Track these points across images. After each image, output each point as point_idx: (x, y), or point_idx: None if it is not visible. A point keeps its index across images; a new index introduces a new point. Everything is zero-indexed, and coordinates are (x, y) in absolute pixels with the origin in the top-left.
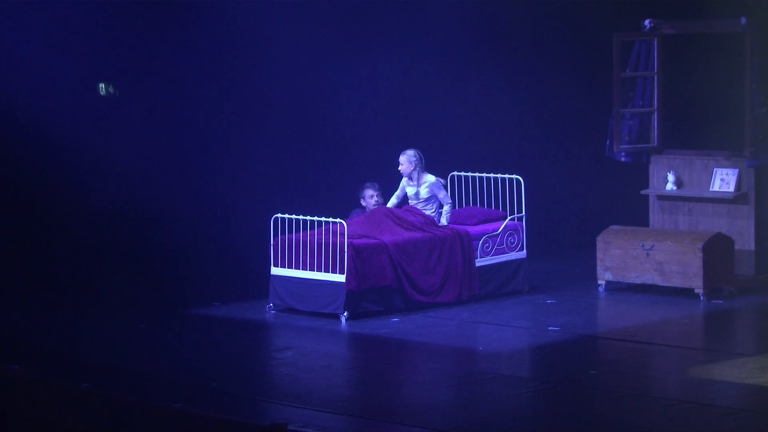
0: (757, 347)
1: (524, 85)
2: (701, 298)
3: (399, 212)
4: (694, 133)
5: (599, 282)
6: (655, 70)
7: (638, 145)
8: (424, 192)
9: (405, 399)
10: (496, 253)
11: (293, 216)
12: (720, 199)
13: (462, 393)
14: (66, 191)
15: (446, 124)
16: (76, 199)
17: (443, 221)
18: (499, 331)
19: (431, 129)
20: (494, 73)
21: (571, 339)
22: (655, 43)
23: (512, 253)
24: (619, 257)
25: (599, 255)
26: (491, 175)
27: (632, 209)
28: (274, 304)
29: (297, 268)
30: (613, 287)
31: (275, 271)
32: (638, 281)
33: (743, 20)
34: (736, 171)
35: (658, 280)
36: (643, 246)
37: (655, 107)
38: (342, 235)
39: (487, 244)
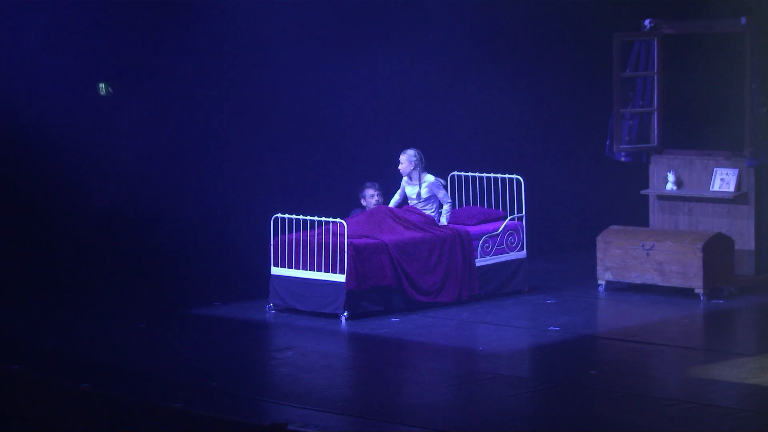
0: (757, 347)
1: (524, 85)
2: (701, 298)
3: (399, 212)
4: (694, 133)
5: (599, 282)
6: (655, 70)
7: (638, 145)
8: (423, 192)
9: (405, 399)
10: (496, 253)
11: (293, 216)
12: (720, 199)
13: (462, 393)
14: (66, 191)
15: (446, 124)
16: (76, 199)
17: (443, 221)
18: (499, 331)
19: (431, 129)
20: (494, 73)
21: (571, 339)
22: (655, 43)
23: (512, 253)
24: (619, 257)
25: (599, 255)
26: (491, 175)
27: (632, 209)
28: (274, 304)
29: (297, 268)
30: (613, 287)
31: (275, 271)
32: (638, 281)
33: (743, 20)
34: (736, 171)
35: (658, 280)
36: (643, 246)
37: (655, 107)
38: (342, 235)
39: (487, 244)
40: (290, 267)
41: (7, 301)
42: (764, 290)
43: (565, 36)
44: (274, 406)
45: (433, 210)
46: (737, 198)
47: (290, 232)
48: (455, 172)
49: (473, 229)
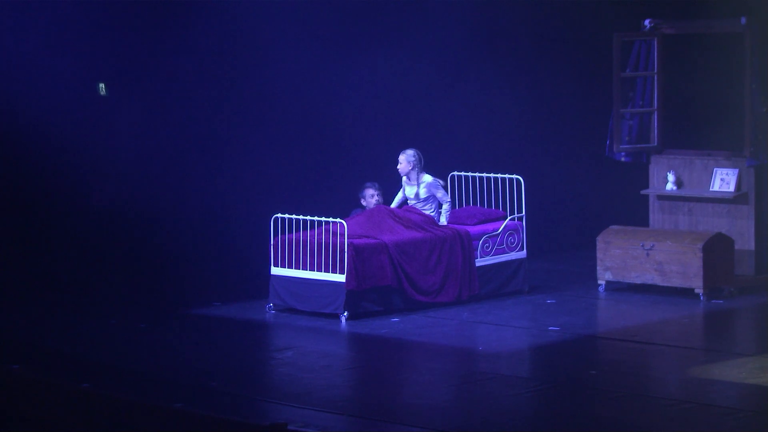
0: (757, 347)
1: (524, 85)
2: (701, 298)
3: (399, 212)
4: (694, 133)
5: (599, 282)
6: (655, 70)
7: (638, 145)
8: (422, 192)
9: (405, 399)
10: (496, 253)
11: (293, 216)
12: (720, 199)
13: (462, 393)
14: (66, 191)
15: (446, 124)
16: (76, 199)
17: (443, 220)
18: (499, 331)
19: (431, 129)
20: (494, 73)
21: (571, 339)
22: (655, 43)
23: (512, 253)
24: (619, 257)
25: (599, 255)
26: (491, 175)
27: (632, 209)
28: (274, 304)
29: (297, 268)
30: (613, 287)
31: (275, 271)
32: (638, 281)
33: (743, 20)
34: (736, 171)
35: (658, 280)
36: (643, 246)
37: (655, 107)
38: (342, 235)
39: (487, 244)
40: (290, 267)
41: (7, 301)
42: (764, 290)
43: (565, 36)
44: (274, 406)
45: (432, 210)
46: (737, 198)
47: (290, 232)
48: (455, 172)
49: (473, 229)
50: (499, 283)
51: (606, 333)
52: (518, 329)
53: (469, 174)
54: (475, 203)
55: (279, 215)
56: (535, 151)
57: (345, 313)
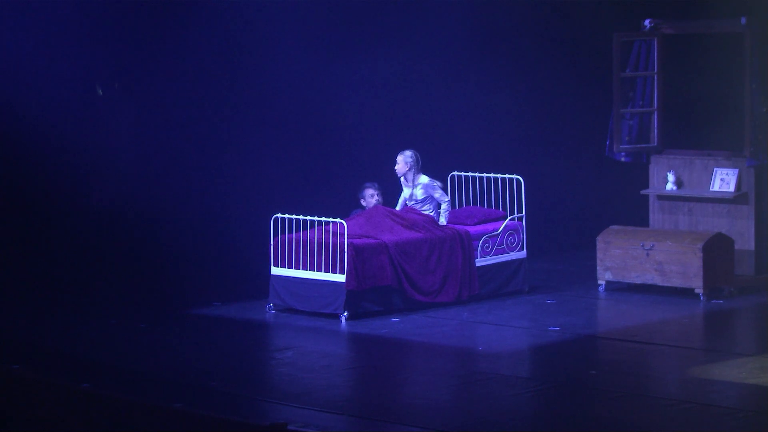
0: (757, 347)
1: (524, 85)
2: (701, 298)
3: (399, 212)
4: (694, 133)
5: (599, 282)
6: (655, 70)
7: (638, 145)
8: (418, 193)
9: (405, 399)
10: (496, 253)
11: (293, 216)
12: (720, 199)
13: (462, 393)
14: (66, 191)
15: (446, 124)
16: (76, 199)
17: (442, 220)
18: (499, 331)
19: (431, 129)
20: (494, 73)
21: (571, 339)
22: (655, 43)
23: (512, 253)
24: (619, 257)
25: (599, 255)
26: (491, 175)
27: (632, 209)
28: (274, 304)
29: (297, 268)
30: (613, 287)
31: (275, 271)
32: (638, 281)
33: (743, 20)
34: (736, 171)
35: (658, 280)
36: (643, 246)
37: (655, 107)
38: (342, 235)
39: (487, 244)
40: (290, 267)
41: (7, 301)
42: (764, 290)
43: (565, 36)
44: (274, 406)
45: (431, 211)
46: (737, 198)
47: (290, 232)
48: (455, 172)
49: (473, 229)
50: (499, 283)
51: (606, 333)
52: (518, 329)
53: (469, 174)
54: (475, 203)
55: (279, 215)
56: (535, 151)
57: (345, 313)
